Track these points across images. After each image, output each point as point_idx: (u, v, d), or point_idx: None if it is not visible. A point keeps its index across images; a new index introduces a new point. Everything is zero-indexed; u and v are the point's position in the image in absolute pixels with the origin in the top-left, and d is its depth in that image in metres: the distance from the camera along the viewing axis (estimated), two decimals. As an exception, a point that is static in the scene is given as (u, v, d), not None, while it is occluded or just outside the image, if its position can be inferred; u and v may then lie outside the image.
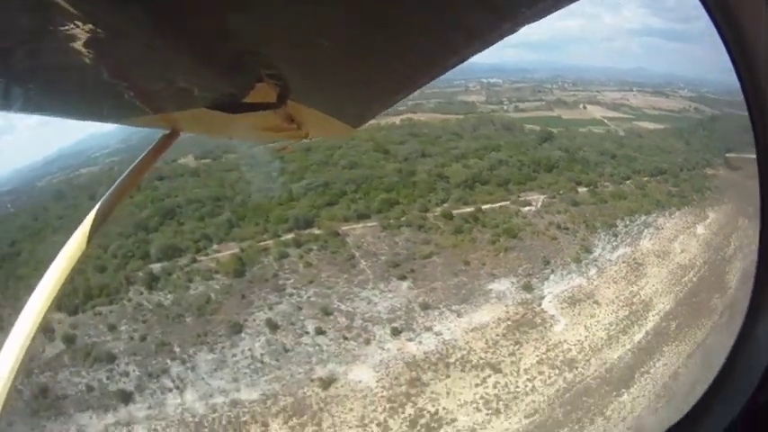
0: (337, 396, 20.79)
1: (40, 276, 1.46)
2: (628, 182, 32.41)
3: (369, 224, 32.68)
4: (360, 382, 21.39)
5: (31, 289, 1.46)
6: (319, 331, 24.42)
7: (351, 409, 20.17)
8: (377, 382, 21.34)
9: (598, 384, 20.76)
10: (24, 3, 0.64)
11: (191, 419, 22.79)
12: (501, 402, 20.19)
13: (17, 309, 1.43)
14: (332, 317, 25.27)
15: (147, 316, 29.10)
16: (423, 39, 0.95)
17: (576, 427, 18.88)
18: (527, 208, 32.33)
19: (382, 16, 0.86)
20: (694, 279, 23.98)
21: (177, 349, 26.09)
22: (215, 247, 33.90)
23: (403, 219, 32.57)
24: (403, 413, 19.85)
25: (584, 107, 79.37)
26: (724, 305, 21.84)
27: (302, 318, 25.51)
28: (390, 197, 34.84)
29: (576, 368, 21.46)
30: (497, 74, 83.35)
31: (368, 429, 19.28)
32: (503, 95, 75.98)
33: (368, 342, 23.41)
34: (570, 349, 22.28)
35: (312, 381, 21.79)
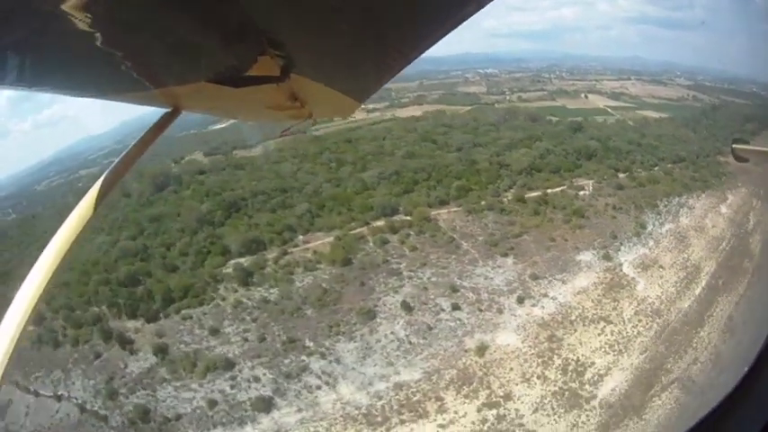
0: (494, 360, 25.63)
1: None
2: (656, 168, 40.91)
3: (453, 209, 37.29)
4: (508, 345, 26.48)
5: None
6: (455, 307, 28.82)
7: (511, 369, 25.23)
8: (522, 342, 26.64)
9: (681, 326, 28.42)
10: None
11: (356, 412, 24.09)
12: (620, 345, 26.87)
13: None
14: (459, 293, 29.82)
15: (255, 314, 30.15)
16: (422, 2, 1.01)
17: (677, 356, 26.23)
18: (582, 192, 39.36)
19: None
20: (727, 248, 32.81)
21: (310, 344, 27.75)
22: (301, 237, 35.79)
23: (482, 203, 37.69)
24: (553, 364, 25.52)
25: (586, 96, 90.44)
26: (753, 267, 30.71)
27: (432, 297, 29.61)
28: (463, 184, 39.62)
29: (662, 316, 28.92)
30: (493, 64, 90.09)
31: (532, 382, 24.59)
32: (503, 86, 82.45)
33: (500, 311, 28.51)
34: (654, 302, 29.71)
35: (466, 351, 26.19)
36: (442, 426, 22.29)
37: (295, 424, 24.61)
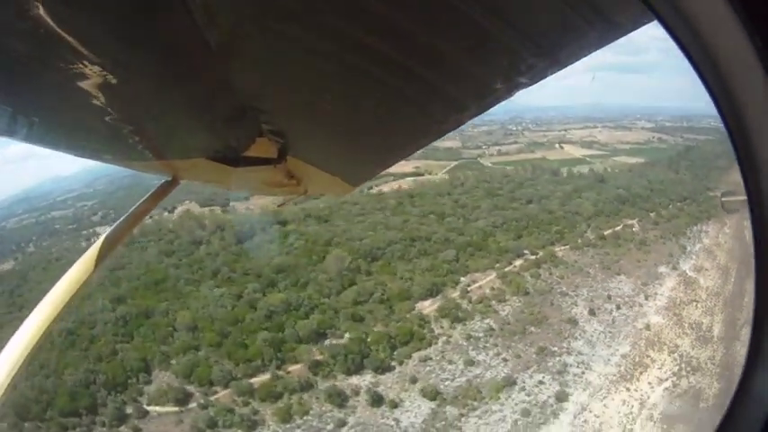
0: (659, 330, 41.64)
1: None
2: (670, 206, 63.99)
3: (561, 248, 54.16)
4: (657, 322, 42.86)
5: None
6: (618, 306, 44.61)
7: (669, 332, 41.43)
8: (662, 319, 43.22)
9: (731, 297, 47.70)
10: (35, 36, 0.81)
11: (613, 371, 38.08)
12: (709, 312, 44.88)
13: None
14: (611, 299, 45.84)
15: (493, 339, 41.65)
16: (420, 107, 1.19)
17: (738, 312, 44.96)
18: (634, 228, 59.89)
19: (383, 81, 1.07)
20: (738, 254, 55.08)
21: (555, 348, 40.86)
22: (464, 279, 48.70)
23: (579, 241, 55.43)
24: (684, 326, 42.35)
25: (561, 147, 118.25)
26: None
27: (599, 304, 45.02)
28: (560, 228, 57.13)
29: (720, 295, 47.95)
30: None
31: (682, 336, 40.86)
32: (476, 139, 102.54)
33: (641, 305, 45.08)
34: (712, 288, 49.01)
35: (640, 329, 42.00)
36: (659, 370, 36.71)
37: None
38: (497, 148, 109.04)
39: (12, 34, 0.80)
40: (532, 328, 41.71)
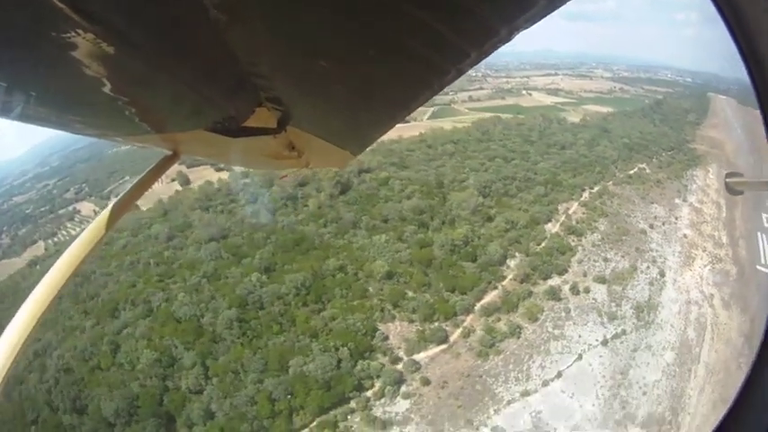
0: (694, 236, 65.09)
1: None
2: (663, 155, 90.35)
3: (607, 184, 75.51)
4: (688, 234, 66.58)
5: None
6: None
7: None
8: (694, 231, 67.20)
9: (727, 214, 74.93)
10: (27, 5, 0.86)
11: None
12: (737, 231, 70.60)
13: None
14: (656, 219, 68.18)
15: (606, 245, 60.70)
16: (421, 59, 1.24)
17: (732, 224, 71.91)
18: (646, 171, 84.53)
19: (381, 39, 1.14)
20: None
21: (643, 248, 61.12)
22: (560, 207, 67.29)
23: (616, 179, 77.54)
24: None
25: (530, 94, 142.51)
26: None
27: (656, 219, 67.01)
28: (596, 168, 78.60)
29: (720, 216, 74.87)
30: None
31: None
32: None
33: (676, 220, 68.33)
34: (720, 217, 75.37)
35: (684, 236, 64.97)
36: (701, 260, 59.69)
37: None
38: (466, 93, 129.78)
39: (2, 4, 0.87)
40: (624, 237, 62.08)
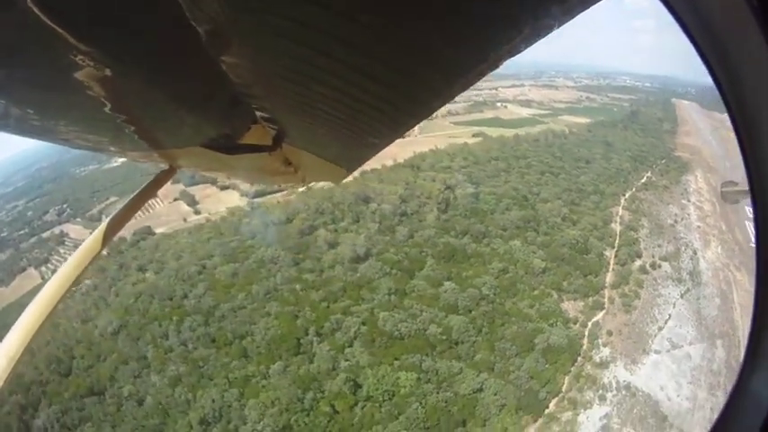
0: (705, 226, 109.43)
1: None
2: (658, 163, 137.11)
3: (632, 192, 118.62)
4: (701, 225, 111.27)
5: None
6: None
7: None
8: (703, 223, 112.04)
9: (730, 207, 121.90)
10: (24, 27, 1.10)
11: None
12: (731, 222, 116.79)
13: None
14: (676, 216, 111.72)
15: (654, 235, 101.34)
16: (414, 81, 1.48)
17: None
18: (652, 179, 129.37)
19: (374, 61, 1.35)
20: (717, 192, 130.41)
21: (681, 235, 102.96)
22: (612, 210, 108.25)
23: (637, 186, 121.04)
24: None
25: (505, 106, 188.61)
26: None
27: (675, 216, 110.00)
28: (620, 179, 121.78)
29: (728, 217, 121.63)
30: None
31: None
32: None
33: (688, 215, 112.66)
34: (716, 212, 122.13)
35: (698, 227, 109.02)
36: (716, 241, 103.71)
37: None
38: (445, 108, 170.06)
39: (8, 31, 1.11)
40: (662, 230, 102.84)
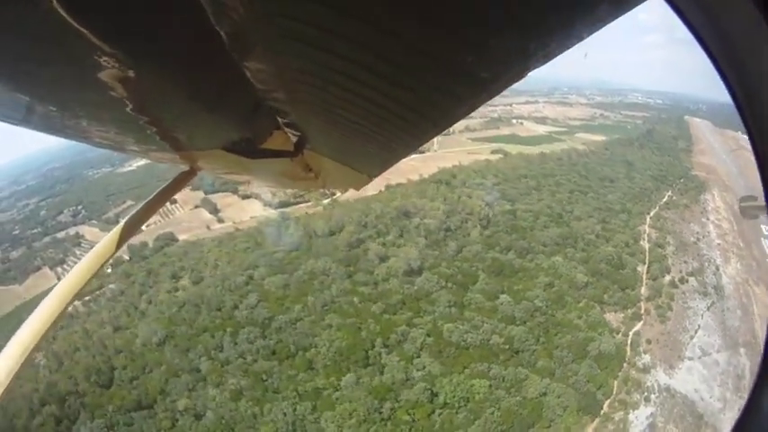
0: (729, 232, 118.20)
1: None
2: (678, 182, 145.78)
3: (657, 210, 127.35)
4: (725, 233, 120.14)
5: None
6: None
7: None
8: (728, 231, 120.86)
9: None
10: (49, 27, 1.12)
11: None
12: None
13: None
14: (703, 226, 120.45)
15: (685, 247, 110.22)
16: (438, 89, 1.47)
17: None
18: (673, 198, 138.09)
19: (398, 69, 1.36)
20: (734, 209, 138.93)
21: (716, 242, 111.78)
22: (639, 229, 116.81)
23: (664, 202, 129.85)
24: None
25: (521, 123, 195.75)
26: None
27: (703, 227, 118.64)
28: (651, 196, 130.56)
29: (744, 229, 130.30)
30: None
31: None
32: None
33: (713, 227, 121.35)
34: (736, 223, 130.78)
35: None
36: (740, 243, 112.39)
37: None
38: (462, 123, 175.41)
39: (26, 25, 1.12)
40: (686, 247, 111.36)
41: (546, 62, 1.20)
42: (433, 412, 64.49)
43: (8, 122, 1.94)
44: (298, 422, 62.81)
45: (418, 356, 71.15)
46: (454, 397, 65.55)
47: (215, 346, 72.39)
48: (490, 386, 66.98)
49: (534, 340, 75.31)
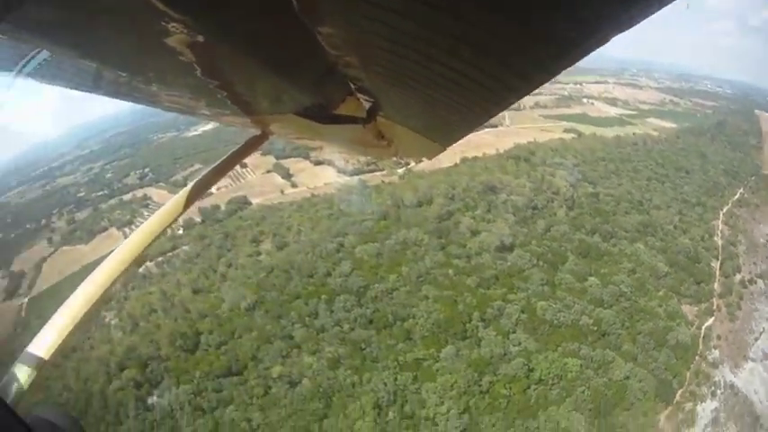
0: None
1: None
2: (750, 179, 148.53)
3: (728, 206, 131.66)
4: None
5: None
6: None
7: None
8: None
9: None
10: None
11: None
12: None
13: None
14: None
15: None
16: (516, 58, 1.44)
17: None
18: (745, 195, 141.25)
19: (476, 30, 1.30)
20: None
21: None
22: (714, 223, 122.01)
23: (736, 198, 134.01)
24: None
25: (592, 103, 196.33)
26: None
27: None
28: (726, 190, 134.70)
29: None
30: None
31: None
32: None
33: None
34: None
35: None
36: None
37: None
38: (532, 99, 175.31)
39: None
40: (756, 248, 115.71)
41: (627, 29, 1.13)
42: (529, 387, 67.42)
43: (79, 90, 2.16)
44: (399, 392, 63.28)
45: (514, 332, 74.09)
46: (549, 374, 68.61)
47: (309, 313, 72.64)
48: (581, 366, 70.70)
49: (620, 324, 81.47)
